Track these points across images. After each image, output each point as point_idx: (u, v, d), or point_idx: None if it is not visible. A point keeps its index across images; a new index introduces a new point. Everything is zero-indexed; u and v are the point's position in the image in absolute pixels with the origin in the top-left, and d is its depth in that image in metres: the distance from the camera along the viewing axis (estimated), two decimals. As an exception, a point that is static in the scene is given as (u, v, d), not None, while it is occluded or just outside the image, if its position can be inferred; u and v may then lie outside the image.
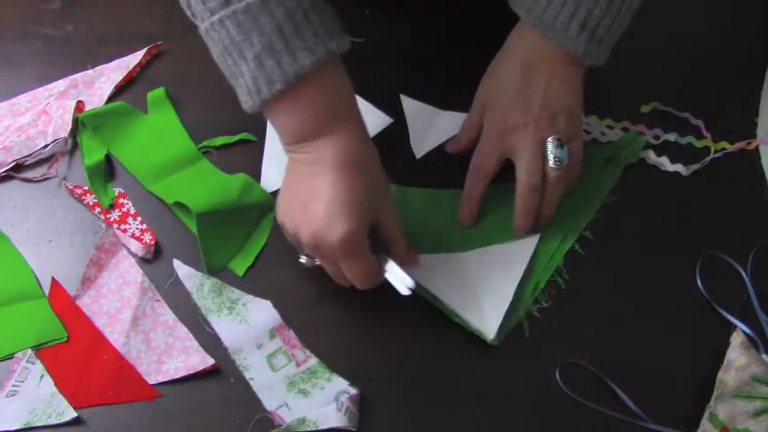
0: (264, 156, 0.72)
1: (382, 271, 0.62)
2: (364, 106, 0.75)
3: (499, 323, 0.65)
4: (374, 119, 0.74)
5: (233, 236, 0.69)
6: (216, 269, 0.68)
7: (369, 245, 0.60)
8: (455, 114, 0.74)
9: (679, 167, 0.73)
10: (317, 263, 0.63)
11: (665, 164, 0.73)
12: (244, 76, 0.56)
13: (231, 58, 0.56)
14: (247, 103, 0.57)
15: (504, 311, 0.65)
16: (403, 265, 0.63)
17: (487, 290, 0.66)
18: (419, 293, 0.65)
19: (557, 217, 0.69)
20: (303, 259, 0.64)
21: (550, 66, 0.65)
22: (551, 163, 0.65)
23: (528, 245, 0.68)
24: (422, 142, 0.73)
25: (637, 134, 0.74)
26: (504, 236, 0.68)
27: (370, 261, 0.61)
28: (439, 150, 0.73)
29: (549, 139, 0.65)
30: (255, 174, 0.71)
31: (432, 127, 0.74)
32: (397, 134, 0.74)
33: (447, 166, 0.72)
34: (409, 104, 0.75)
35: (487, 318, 0.65)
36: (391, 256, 0.63)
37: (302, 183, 0.59)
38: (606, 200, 0.71)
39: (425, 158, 0.73)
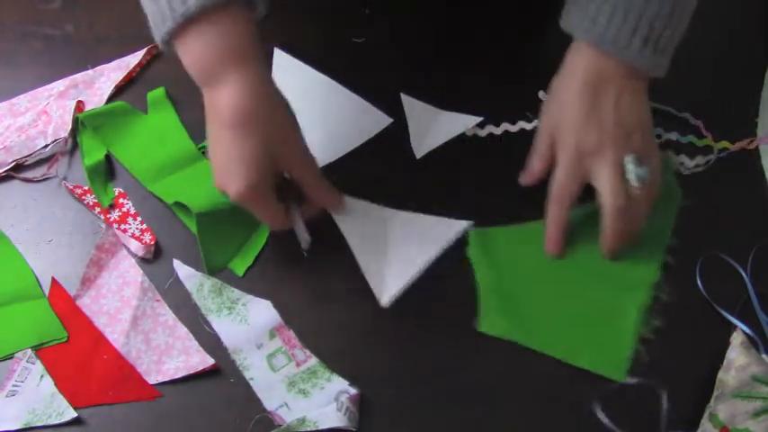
0: None
1: (291, 220, 0.65)
2: (363, 106, 0.75)
3: (396, 291, 0.65)
4: (373, 118, 0.74)
5: (233, 236, 0.69)
6: (216, 269, 0.68)
7: (273, 195, 0.62)
8: (456, 115, 0.74)
9: (684, 159, 0.73)
10: None
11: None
12: (148, 14, 0.59)
13: None
14: (157, 40, 0.60)
15: (404, 284, 0.66)
16: (326, 206, 0.66)
17: (398, 257, 0.66)
18: (536, 347, 0.65)
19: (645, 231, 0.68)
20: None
21: (616, 83, 0.63)
22: (633, 183, 0.63)
23: (456, 226, 0.68)
24: (422, 142, 0.73)
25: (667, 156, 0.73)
26: (595, 256, 0.67)
27: (275, 209, 0.63)
28: (439, 151, 0.73)
29: (628, 158, 0.63)
30: None
31: (432, 127, 0.74)
32: (397, 134, 0.74)
33: (448, 165, 0.72)
34: (410, 104, 0.75)
35: (386, 283, 0.66)
36: (300, 207, 0.65)
37: (210, 141, 0.61)
38: (682, 202, 0.70)
39: (425, 158, 0.73)
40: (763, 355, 0.63)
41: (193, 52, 0.59)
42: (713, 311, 0.67)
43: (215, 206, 0.67)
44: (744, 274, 0.68)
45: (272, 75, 0.75)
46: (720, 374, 0.63)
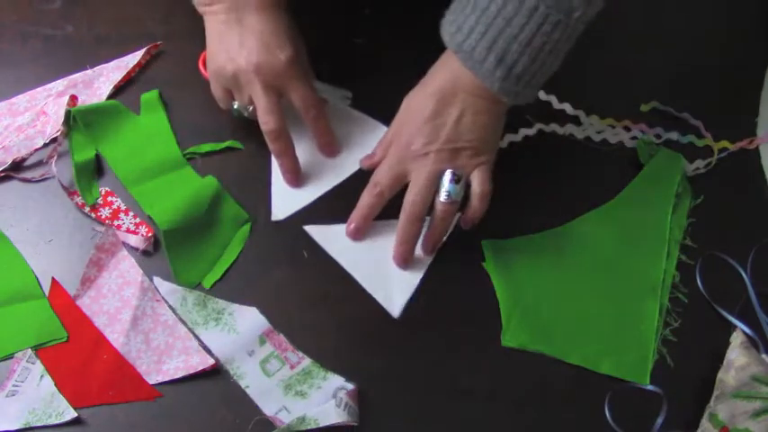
0: (273, 186, 0.72)
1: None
2: (360, 119, 0.74)
3: (404, 301, 0.66)
4: (371, 130, 0.74)
5: (203, 254, 0.68)
6: (188, 286, 0.67)
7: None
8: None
9: (685, 165, 0.73)
10: (251, 109, 0.68)
11: None
12: None
13: None
14: None
15: (411, 291, 0.66)
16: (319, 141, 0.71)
17: (397, 270, 0.67)
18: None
19: (654, 230, 0.69)
20: (236, 105, 0.68)
21: (466, 99, 0.64)
22: (441, 197, 0.64)
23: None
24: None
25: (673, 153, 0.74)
26: (608, 263, 0.68)
27: (311, 85, 0.68)
28: None
29: (446, 172, 0.64)
30: (237, 181, 0.71)
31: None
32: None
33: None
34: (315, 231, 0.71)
35: (394, 296, 0.66)
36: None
37: (228, 31, 0.64)
38: (694, 201, 0.71)
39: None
40: (763, 355, 0.63)
41: None
42: (713, 311, 0.67)
43: (184, 219, 0.68)
44: (744, 274, 0.68)
45: None
46: (720, 374, 0.63)
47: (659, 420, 0.61)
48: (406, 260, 0.67)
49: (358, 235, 0.68)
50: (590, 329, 0.66)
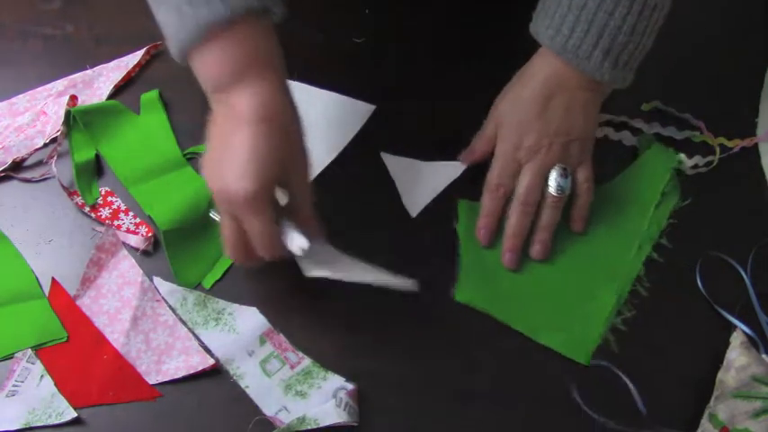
0: None
1: (281, 233, 0.60)
2: (341, 101, 0.74)
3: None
4: (356, 110, 0.74)
5: (203, 254, 0.68)
6: (188, 287, 0.67)
7: (273, 208, 0.58)
8: (441, 165, 0.73)
9: (683, 158, 0.73)
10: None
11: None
12: (167, 25, 0.57)
13: (157, 5, 0.57)
14: (173, 52, 0.58)
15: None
16: (306, 229, 0.61)
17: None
18: (503, 319, 0.66)
19: (632, 224, 0.69)
20: (213, 215, 0.66)
21: (572, 93, 0.65)
22: (552, 189, 0.66)
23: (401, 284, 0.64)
24: (415, 200, 0.71)
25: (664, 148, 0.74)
26: (579, 243, 0.69)
27: (272, 221, 0.58)
28: (434, 205, 0.71)
29: (556, 166, 0.66)
30: None
31: (420, 182, 0.72)
32: (385, 121, 0.74)
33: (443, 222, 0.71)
34: (392, 162, 0.73)
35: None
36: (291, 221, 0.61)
37: (219, 139, 0.58)
38: (680, 203, 0.71)
39: (422, 214, 0.71)
40: (763, 355, 0.63)
41: (213, 60, 0.57)
42: (713, 311, 0.67)
43: (184, 219, 0.68)
44: (744, 274, 0.68)
45: None
46: (720, 374, 0.63)
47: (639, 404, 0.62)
48: (517, 253, 0.68)
49: (490, 237, 0.68)
50: (542, 302, 0.67)
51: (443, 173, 0.72)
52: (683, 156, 0.73)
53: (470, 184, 0.71)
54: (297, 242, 0.60)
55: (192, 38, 0.55)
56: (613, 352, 0.65)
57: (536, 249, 0.68)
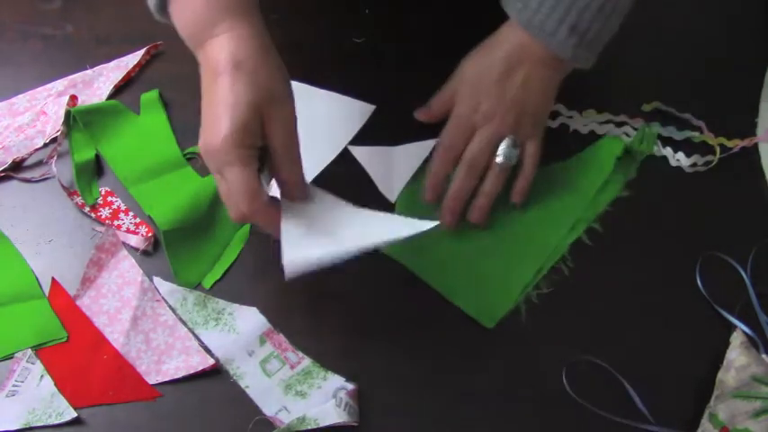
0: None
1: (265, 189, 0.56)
2: (342, 101, 0.74)
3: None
4: (356, 110, 0.74)
5: (204, 254, 0.68)
6: (188, 286, 0.67)
7: (255, 160, 0.55)
8: (408, 146, 0.73)
9: (681, 157, 0.73)
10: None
11: (669, 154, 0.73)
12: None
13: None
14: (151, 6, 0.59)
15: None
16: (287, 191, 0.58)
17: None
18: (416, 272, 0.67)
19: (568, 205, 0.70)
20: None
21: (533, 67, 0.66)
22: (499, 158, 0.67)
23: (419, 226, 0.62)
24: (390, 185, 0.72)
25: (649, 126, 0.74)
26: (509, 215, 0.70)
27: (251, 173, 0.55)
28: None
29: (507, 136, 0.67)
30: None
31: (392, 166, 0.73)
32: (384, 120, 0.74)
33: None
34: (360, 153, 0.73)
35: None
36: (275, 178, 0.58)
37: (204, 97, 0.57)
38: (620, 194, 0.72)
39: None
40: (763, 355, 0.63)
41: (189, 10, 0.57)
42: (713, 311, 0.67)
43: (184, 219, 0.67)
44: (744, 274, 0.68)
45: None
46: (720, 374, 0.63)
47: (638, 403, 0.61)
48: (455, 216, 0.68)
49: (436, 199, 0.69)
50: (464, 266, 0.68)
51: (414, 153, 0.72)
52: (680, 154, 0.73)
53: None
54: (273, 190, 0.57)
55: None
56: (596, 344, 0.65)
57: (474, 215, 0.68)
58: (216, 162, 0.55)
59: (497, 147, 0.67)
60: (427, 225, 0.59)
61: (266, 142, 0.56)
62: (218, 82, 0.55)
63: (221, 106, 0.54)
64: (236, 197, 0.55)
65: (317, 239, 0.58)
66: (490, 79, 0.67)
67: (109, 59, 0.77)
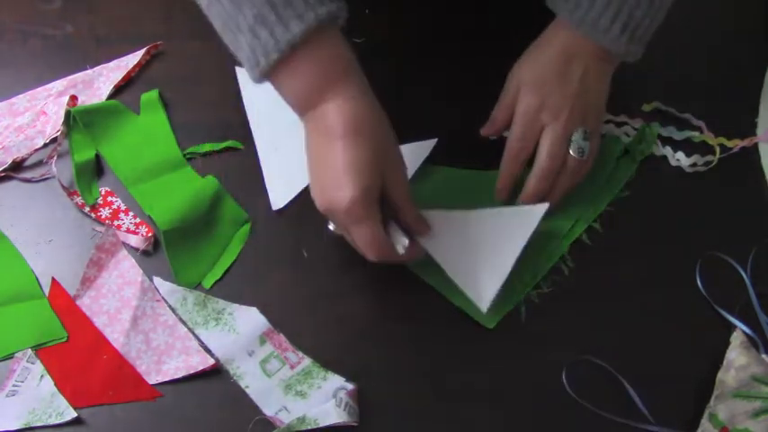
0: (265, 175, 0.72)
1: (387, 235, 0.62)
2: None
3: (494, 294, 0.64)
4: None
5: (204, 254, 0.68)
6: (188, 286, 0.67)
7: (379, 213, 0.60)
8: (408, 146, 0.71)
9: (681, 157, 0.73)
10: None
11: (669, 154, 0.74)
12: (242, 48, 0.57)
13: (230, 31, 0.57)
14: (251, 75, 0.58)
15: (501, 282, 0.65)
16: (414, 231, 0.63)
17: (487, 257, 0.65)
18: (417, 273, 0.67)
19: (569, 205, 0.70)
20: (331, 226, 0.65)
21: (589, 60, 0.66)
22: (574, 153, 0.66)
23: (536, 212, 0.66)
24: None
25: (649, 126, 0.74)
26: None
27: (377, 227, 0.60)
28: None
29: (579, 130, 0.66)
30: (237, 181, 0.71)
31: None
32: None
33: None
34: None
35: (484, 286, 0.65)
36: (397, 222, 0.63)
37: (316, 158, 0.60)
38: (620, 194, 0.72)
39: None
40: (763, 355, 0.63)
41: (297, 79, 0.58)
42: (713, 311, 0.67)
43: (184, 219, 0.68)
44: (744, 275, 0.68)
45: (242, 92, 0.75)
46: (720, 374, 0.63)
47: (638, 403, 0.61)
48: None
49: (508, 198, 0.69)
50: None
51: (416, 153, 0.72)
52: (680, 154, 0.73)
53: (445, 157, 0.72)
54: (400, 240, 0.62)
55: (272, 60, 0.56)
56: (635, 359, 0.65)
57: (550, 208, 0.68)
58: (343, 221, 0.60)
59: (569, 142, 0.66)
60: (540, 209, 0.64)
61: (385, 196, 0.61)
62: (338, 145, 0.58)
63: (344, 169, 0.57)
64: (365, 249, 0.61)
65: (488, 269, 0.65)
66: (551, 75, 0.66)
67: (109, 59, 0.77)
